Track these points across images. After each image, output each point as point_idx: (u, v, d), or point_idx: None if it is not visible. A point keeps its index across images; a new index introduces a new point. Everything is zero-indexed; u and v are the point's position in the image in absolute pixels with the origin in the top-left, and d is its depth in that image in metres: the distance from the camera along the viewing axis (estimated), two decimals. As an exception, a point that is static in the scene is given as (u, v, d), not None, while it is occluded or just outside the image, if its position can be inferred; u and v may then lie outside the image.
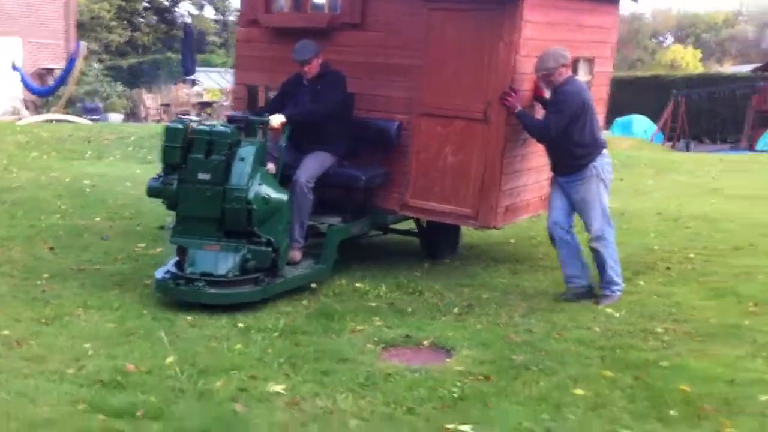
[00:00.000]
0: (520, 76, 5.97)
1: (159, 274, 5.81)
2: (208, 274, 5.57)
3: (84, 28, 33.51)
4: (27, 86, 20.70)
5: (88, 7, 33.88)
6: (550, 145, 6.00)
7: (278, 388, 4.17)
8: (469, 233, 7.71)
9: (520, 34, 5.86)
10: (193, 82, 27.23)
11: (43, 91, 21.09)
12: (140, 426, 3.74)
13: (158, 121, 21.56)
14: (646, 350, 4.90)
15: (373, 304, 5.82)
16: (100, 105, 23.23)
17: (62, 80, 20.83)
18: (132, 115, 24.56)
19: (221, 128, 5.81)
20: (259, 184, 5.70)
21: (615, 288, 5.98)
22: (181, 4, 41.95)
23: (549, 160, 6.17)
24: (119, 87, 25.17)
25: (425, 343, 5.02)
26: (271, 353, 4.70)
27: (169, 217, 6.38)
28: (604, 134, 6.58)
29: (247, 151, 5.72)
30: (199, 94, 25.66)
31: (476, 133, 6.11)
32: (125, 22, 36.09)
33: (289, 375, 4.38)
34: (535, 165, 6.51)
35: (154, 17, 39.95)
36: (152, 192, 5.90)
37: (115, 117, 22.75)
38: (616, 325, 5.39)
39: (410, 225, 7.35)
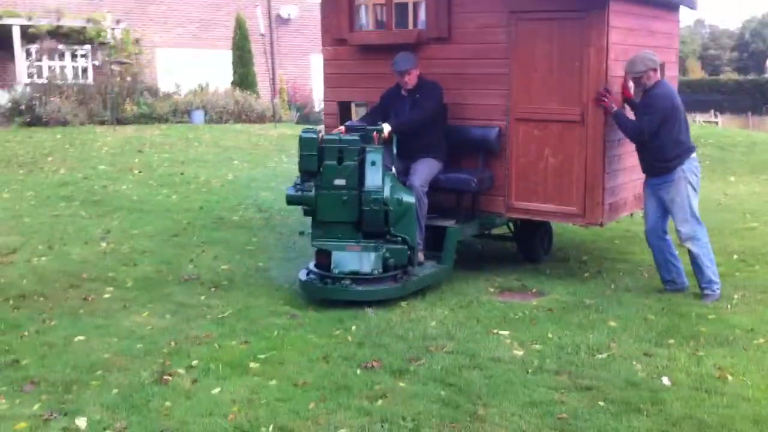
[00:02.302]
0: (611, 79, 6.34)
1: (302, 275, 6.27)
2: (355, 272, 5.99)
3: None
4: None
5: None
6: (641, 147, 6.34)
7: (404, 304, 6.13)
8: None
9: (608, 38, 6.26)
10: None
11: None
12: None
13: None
14: (706, 307, 6.03)
15: (522, 266, 7.45)
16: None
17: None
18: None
19: (349, 136, 6.20)
20: (391, 187, 6.11)
21: (715, 287, 6.28)
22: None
23: (640, 162, 6.52)
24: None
25: (533, 290, 6.62)
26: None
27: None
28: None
29: (376, 157, 6.10)
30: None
31: (574, 135, 6.49)
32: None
33: (420, 297, 6.30)
34: (629, 165, 6.83)
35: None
36: (292, 200, 6.28)
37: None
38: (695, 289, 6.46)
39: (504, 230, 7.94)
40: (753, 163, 15.22)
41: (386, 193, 6.05)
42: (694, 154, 6.35)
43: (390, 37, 7.25)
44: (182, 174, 12.79)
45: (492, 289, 6.63)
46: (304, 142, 6.15)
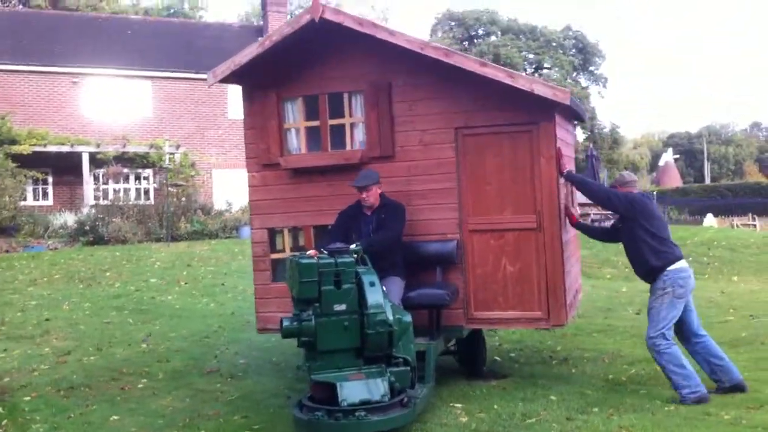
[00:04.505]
0: (560, 186, 6.71)
1: (298, 413, 5.62)
2: (366, 402, 5.46)
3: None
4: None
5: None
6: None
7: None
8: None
9: (556, 148, 6.64)
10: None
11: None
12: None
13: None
14: (642, 384, 6.95)
15: (497, 358, 8.49)
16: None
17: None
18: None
19: (346, 258, 5.80)
20: (391, 306, 5.84)
21: (684, 393, 6.26)
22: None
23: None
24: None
25: (499, 374, 7.63)
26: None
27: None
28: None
29: (373, 277, 5.81)
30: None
31: (530, 241, 6.72)
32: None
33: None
34: (569, 267, 7.09)
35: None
36: (289, 332, 5.71)
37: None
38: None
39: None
40: (761, 263, 16.00)
41: (388, 313, 5.79)
42: (681, 263, 6.55)
43: (329, 159, 7.18)
44: (223, 284, 14.22)
45: (461, 375, 7.66)
46: (303, 269, 5.67)
